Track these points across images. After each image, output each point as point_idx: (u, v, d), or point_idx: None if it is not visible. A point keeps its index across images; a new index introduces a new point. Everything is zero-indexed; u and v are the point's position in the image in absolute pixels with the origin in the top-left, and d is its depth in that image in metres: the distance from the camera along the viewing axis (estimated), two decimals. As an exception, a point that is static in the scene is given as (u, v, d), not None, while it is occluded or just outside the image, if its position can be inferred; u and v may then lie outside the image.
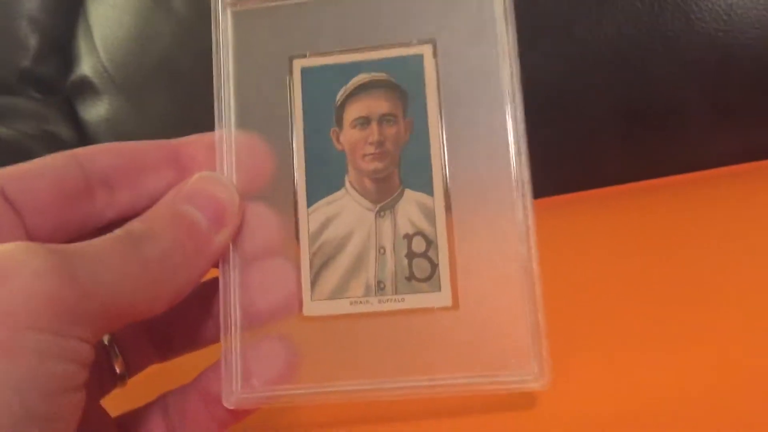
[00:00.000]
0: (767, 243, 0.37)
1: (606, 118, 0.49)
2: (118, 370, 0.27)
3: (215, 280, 0.26)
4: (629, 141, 0.49)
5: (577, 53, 0.48)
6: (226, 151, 0.25)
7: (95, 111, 0.65)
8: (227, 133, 0.26)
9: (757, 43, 0.45)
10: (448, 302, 0.24)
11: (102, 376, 0.27)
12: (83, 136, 0.66)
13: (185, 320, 0.27)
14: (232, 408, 0.24)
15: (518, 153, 0.24)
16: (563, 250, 0.38)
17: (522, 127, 0.24)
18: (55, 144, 0.64)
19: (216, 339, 0.26)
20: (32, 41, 0.70)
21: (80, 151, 0.25)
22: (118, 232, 0.23)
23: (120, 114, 0.63)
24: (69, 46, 0.69)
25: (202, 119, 0.68)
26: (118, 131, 0.64)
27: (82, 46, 0.66)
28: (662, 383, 0.28)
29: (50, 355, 0.19)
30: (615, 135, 0.49)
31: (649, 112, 0.48)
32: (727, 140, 0.48)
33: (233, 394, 0.25)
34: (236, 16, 0.26)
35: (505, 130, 0.24)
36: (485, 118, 0.24)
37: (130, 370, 0.27)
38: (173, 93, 0.61)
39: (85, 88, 0.65)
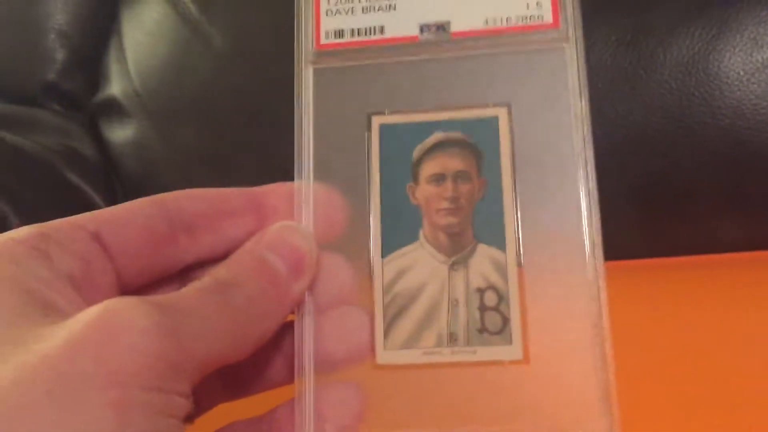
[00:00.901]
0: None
1: (624, 196, 0.51)
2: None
3: (288, 324, 0.26)
4: (643, 219, 0.52)
5: (605, 133, 0.50)
6: (304, 201, 0.26)
7: (122, 133, 0.65)
8: (306, 184, 0.27)
9: None
10: (519, 356, 0.25)
11: None
12: (106, 155, 0.67)
13: (257, 361, 0.27)
14: None
15: (590, 216, 0.25)
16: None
17: (594, 191, 0.25)
18: (76, 160, 0.65)
19: (285, 381, 0.26)
20: (59, 55, 0.70)
21: (166, 196, 0.26)
22: (206, 280, 0.24)
23: (147, 140, 0.64)
24: (97, 64, 0.69)
25: (231, 158, 0.68)
26: (142, 157, 0.65)
27: (114, 68, 0.67)
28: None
29: (157, 412, 0.20)
30: (631, 213, 0.52)
31: (666, 196, 0.51)
32: (736, 230, 0.51)
33: (306, 437, 0.25)
34: (317, 73, 0.27)
35: (578, 192, 0.25)
36: (558, 180, 0.25)
37: (198, 409, 0.28)
38: (204, 128, 0.62)
39: (113, 109, 0.66)
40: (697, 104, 0.50)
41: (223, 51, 0.60)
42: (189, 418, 0.28)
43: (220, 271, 0.24)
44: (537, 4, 0.26)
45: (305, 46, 0.28)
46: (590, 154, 0.25)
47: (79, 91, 0.70)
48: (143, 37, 0.65)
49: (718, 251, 0.51)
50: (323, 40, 0.28)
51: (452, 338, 0.25)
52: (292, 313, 0.26)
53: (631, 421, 0.24)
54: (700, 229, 0.52)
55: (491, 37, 0.26)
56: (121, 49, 0.66)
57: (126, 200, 0.26)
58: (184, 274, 0.27)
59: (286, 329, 0.27)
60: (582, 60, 0.26)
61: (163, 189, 0.27)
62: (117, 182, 0.66)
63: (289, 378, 0.26)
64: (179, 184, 0.29)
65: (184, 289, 0.23)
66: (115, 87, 0.65)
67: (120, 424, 0.19)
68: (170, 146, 0.63)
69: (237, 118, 0.60)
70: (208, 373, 0.23)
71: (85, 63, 0.71)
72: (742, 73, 0.49)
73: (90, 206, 0.60)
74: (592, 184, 0.25)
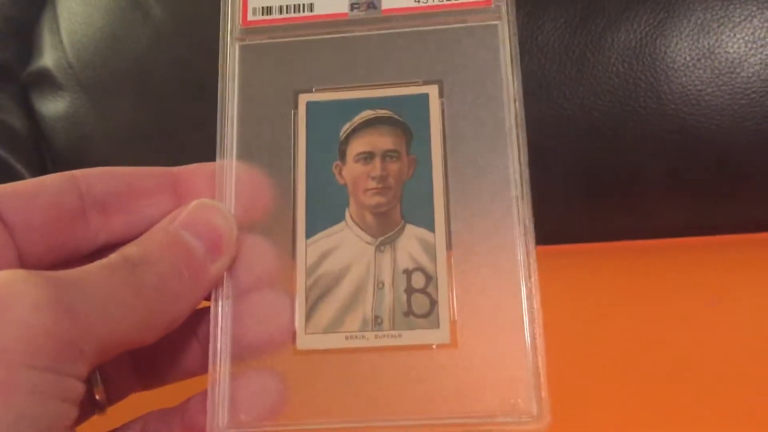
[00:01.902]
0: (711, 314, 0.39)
1: (569, 178, 0.51)
2: (97, 398, 0.26)
3: (204, 309, 0.25)
4: (588, 202, 0.52)
5: (551, 114, 0.50)
6: (226, 181, 0.25)
7: (53, 106, 0.63)
8: (228, 163, 0.25)
9: (719, 129, 0.48)
10: (447, 339, 0.24)
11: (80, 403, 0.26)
12: (37, 129, 0.64)
13: (172, 348, 0.26)
14: None
15: (521, 194, 0.24)
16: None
17: (525, 169, 0.24)
18: (5, 133, 0.62)
19: (203, 370, 0.25)
20: None
21: (78, 173, 0.24)
22: (113, 257, 0.22)
23: (80, 113, 0.62)
24: (30, 34, 0.67)
25: (168, 131, 0.66)
26: (76, 130, 0.62)
27: (47, 38, 0.64)
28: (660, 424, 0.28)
29: (46, 395, 0.19)
30: (575, 195, 0.52)
31: (610, 179, 0.51)
32: (679, 214, 0.51)
33: (219, 428, 0.24)
34: (243, 49, 0.26)
35: (508, 171, 0.24)
36: (488, 158, 0.24)
37: (111, 398, 0.26)
38: (141, 100, 0.60)
39: (45, 81, 0.63)
40: (643, 88, 0.50)
41: (163, 22, 0.58)
42: (100, 408, 0.26)
43: (129, 248, 0.23)
44: None
45: (231, 22, 0.27)
46: (522, 132, 0.24)
47: (11, 62, 0.67)
48: (78, 6, 0.62)
49: (661, 236, 0.51)
50: (250, 17, 0.27)
51: (377, 322, 0.24)
52: (209, 298, 0.25)
53: (561, 406, 0.23)
54: (644, 214, 0.53)
55: (422, 15, 0.25)
56: (55, 19, 0.63)
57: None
58: (96, 256, 0.25)
59: (205, 315, 0.25)
60: (515, 37, 0.25)
61: (97, 165, 0.25)
62: (48, 157, 0.63)
63: (207, 367, 0.25)
64: (115, 160, 0.28)
65: (87, 266, 0.21)
66: (48, 58, 0.63)
67: (3, 405, 0.18)
68: (105, 120, 0.61)
69: (176, 91, 0.58)
70: (113, 356, 0.22)
71: (17, 32, 0.68)
72: (688, 58, 0.49)
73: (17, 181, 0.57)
74: (524, 163, 0.24)
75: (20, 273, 0.19)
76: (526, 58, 0.51)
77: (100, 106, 0.61)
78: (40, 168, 0.62)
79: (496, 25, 0.25)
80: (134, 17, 0.59)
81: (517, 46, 0.25)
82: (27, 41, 0.67)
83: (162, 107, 0.59)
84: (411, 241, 0.25)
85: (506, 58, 0.25)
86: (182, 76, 0.58)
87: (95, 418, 0.26)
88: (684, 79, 0.49)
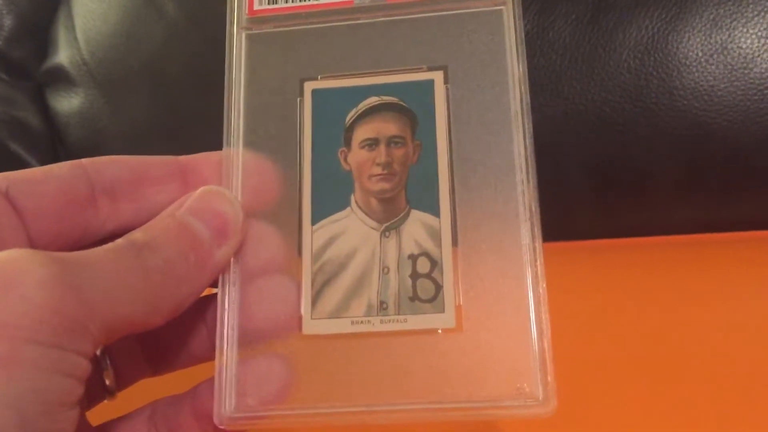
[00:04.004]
0: (719, 312, 0.39)
1: (581, 175, 0.51)
2: (107, 383, 0.26)
3: (212, 296, 0.25)
4: (599, 199, 0.52)
5: (561, 110, 0.50)
6: (232, 168, 0.25)
7: (68, 103, 0.64)
8: (234, 151, 0.26)
9: (732, 125, 0.48)
10: (452, 324, 0.24)
11: (90, 387, 0.26)
12: (53, 126, 0.65)
13: (180, 334, 0.26)
14: (223, 427, 0.24)
15: (526, 179, 0.24)
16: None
17: (531, 153, 0.24)
18: (20, 130, 0.63)
19: (212, 356, 0.25)
20: (7, 22, 0.68)
21: (87, 161, 0.25)
22: (119, 241, 0.22)
23: (95, 109, 0.62)
24: (46, 32, 0.67)
25: (182, 127, 0.67)
26: (90, 126, 0.63)
27: (62, 35, 0.65)
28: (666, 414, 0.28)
29: (50, 370, 0.19)
30: (587, 191, 0.52)
31: (622, 175, 0.51)
32: (691, 211, 0.51)
33: (225, 412, 0.24)
34: (250, 38, 0.26)
35: (513, 155, 0.24)
36: (494, 143, 0.25)
37: (120, 383, 0.27)
38: (155, 96, 0.60)
39: (60, 78, 0.64)
40: (655, 84, 0.49)
41: (176, 18, 0.58)
42: (110, 393, 0.27)
43: (136, 234, 0.23)
44: None
45: (238, 11, 0.27)
46: (528, 117, 0.24)
47: (27, 59, 0.68)
48: (92, 3, 0.63)
49: (672, 233, 0.51)
50: (256, 6, 0.27)
51: (382, 307, 0.24)
52: (217, 284, 0.25)
53: (567, 390, 0.23)
54: (656, 210, 0.52)
55: (427, 2, 0.26)
56: (70, 16, 0.64)
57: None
58: (105, 242, 0.25)
59: (213, 301, 0.26)
60: (520, 22, 0.25)
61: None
62: (63, 153, 0.64)
63: (215, 353, 0.25)
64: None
65: (93, 248, 0.22)
66: (63, 55, 0.63)
67: (8, 380, 0.18)
68: (119, 116, 0.61)
69: (190, 87, 0.59)
70: (119, 337, 0.22)
71: (33, 30, 0.68)
72: (700, 54, 0.49)
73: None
74: (530, 147, 0.24)
75: (26, 251, 0.20)
76: (537, 54, 0.51)
77: (114, 103, 0.61)
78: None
79: (501, 11, 0.25)
80: (148, 14, 0.59)
81: (522, 31, 0.25)
82: (42, 39, 0.68)
83: (176, 103, 0.59)
84: (416, 226, 0.25)
85: (511, 44, 0.25)
86: (195, 72, 0.59)
87: (105, 404, 0.27)
88: (696, 75, 0.49)
